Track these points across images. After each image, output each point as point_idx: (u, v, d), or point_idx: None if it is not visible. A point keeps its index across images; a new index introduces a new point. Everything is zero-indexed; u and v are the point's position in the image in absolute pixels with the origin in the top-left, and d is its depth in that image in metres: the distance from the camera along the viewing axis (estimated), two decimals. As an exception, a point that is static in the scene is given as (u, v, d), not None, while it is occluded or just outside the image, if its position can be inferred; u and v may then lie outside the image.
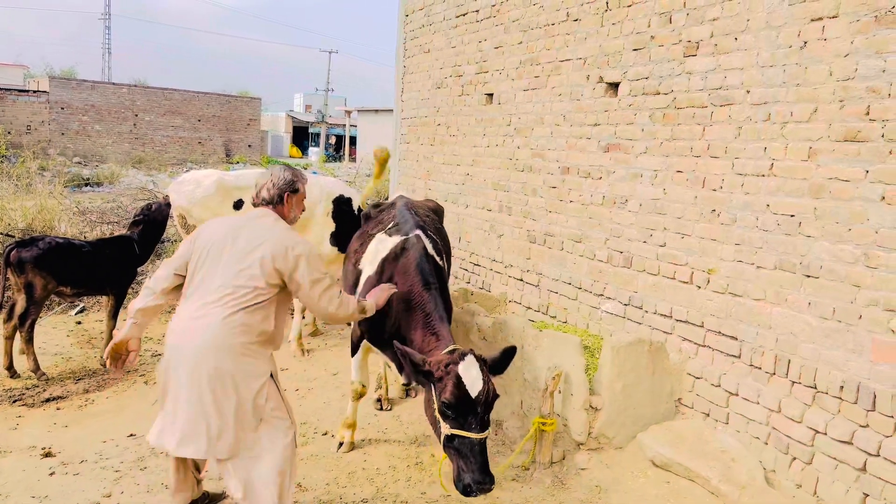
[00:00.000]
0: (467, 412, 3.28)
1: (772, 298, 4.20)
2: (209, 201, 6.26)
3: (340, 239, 6.43)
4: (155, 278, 3.33)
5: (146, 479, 4.06)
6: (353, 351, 4.48)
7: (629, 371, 4.58)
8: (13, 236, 8.05)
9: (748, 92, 4.36)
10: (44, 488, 3.90)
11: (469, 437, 3.25)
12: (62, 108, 31.73)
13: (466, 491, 3.22)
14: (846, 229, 3.78)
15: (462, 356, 3.37)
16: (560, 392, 4.59)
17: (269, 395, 3.17)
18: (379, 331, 4.07)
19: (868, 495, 3.61)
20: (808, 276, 3.98)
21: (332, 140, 54.60)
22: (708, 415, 4.65)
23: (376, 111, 34.38)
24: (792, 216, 4.08)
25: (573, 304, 5.95)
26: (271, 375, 3.23)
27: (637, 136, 5.24)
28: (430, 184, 8.52)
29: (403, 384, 4.23)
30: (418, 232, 4.26)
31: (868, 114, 3.69)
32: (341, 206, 6.60)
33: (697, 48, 4.72)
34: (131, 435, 4.62)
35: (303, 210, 3.61)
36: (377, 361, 4.90)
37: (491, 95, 7.24)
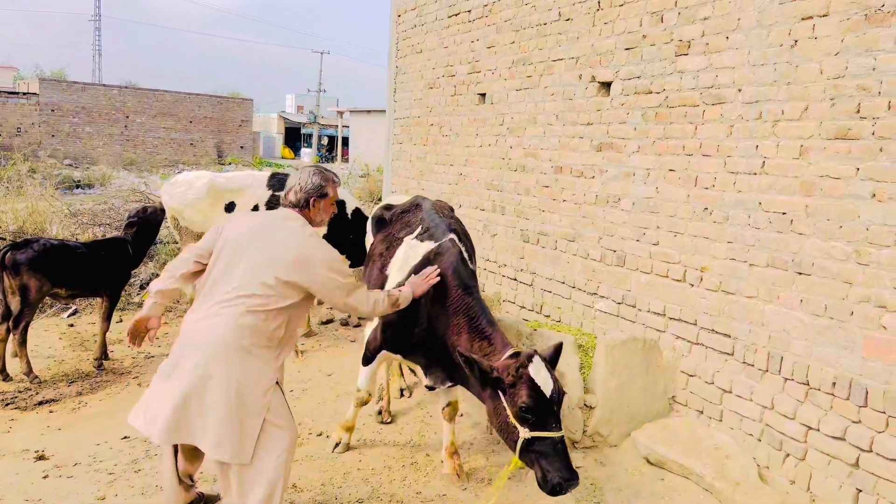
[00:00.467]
0: (546, 413, 3.26)
1: (764, 296, 4.22)
2: (200, 203, 6.26)
3: (332, 241, 6.42)
4: (177, 262, 3.32)
5: (140, 482, 4.05)
6: (367, 360, 4.32)
7: (623, 369, 4.60)
8: (4, 238, 8.01)
9: (740, 91, 4.39)
10: (37, 491, 3.88)
11: (552, 437, 3.22)
12: (52, 110, 31.58)
13: (556, 490, 3.18)
14: (837, 227, 3.80)
15: (529, 358, 3.34)
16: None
17: (272, 402, 3.12)
18: (405, 337, 3.96)
19: (861, 491, 3.63)
20: (800, 274, 4.00)
21: (325, 141, 54.54)
22: (702, 412, 4.67)
23: (368, 112, 34.39)
24: (784, 214, 4.10)
25: (567, 303, 5.96)
26: (277, 383, 3.17)
27: (629, 135, 5.26)
28: (424, 184, 8.52)
29: (427, 386, 4.11)
30: (452, 236, 4.12)
31: (859, 112, 3.71)
32: (334, 208, 6.59)
33: (689, 47, 4.74)
34: (125, 437, 4.60)
35: (333, 213, 3.55)
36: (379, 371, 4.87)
37: (484, 95, 7.25)
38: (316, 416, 5.08)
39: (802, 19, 4.01)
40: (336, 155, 47.11)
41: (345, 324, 7.52)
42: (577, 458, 4.40)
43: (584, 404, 4.59)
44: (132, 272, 6.85)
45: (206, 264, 3.26)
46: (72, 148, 31.60)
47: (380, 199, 9.30)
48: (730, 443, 4.34)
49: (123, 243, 6.20)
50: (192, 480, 3.54)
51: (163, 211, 6.51)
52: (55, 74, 42.37)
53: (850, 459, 3.69)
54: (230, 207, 6.26)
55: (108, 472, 4.14)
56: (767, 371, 4.20)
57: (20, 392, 5.32)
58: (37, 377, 5.54)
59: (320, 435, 4.77)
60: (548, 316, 6.20)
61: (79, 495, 3.87)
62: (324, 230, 6.51)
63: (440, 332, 3.77)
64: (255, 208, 6.21)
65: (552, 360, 3.49)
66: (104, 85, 36.35)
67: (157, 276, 8.23)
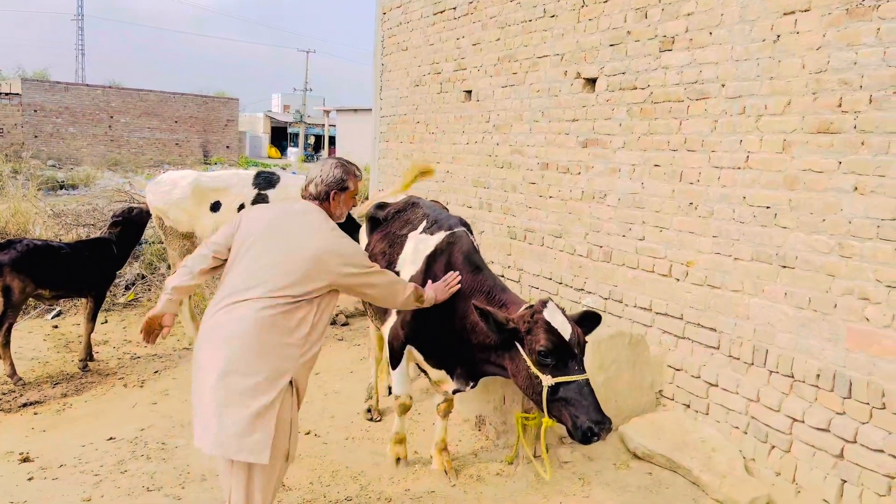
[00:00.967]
0: (566, 356, 3.18)
1: (749, 289, 4.25)
2: (185, 203, 6.21)
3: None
4: (193, 258, 3.20)
5: (127, 483, 4.02)
6: (396, 361, 4.14)
7: (610, 364, 4.62)
8: (-13, 240, 7.92)
9: (723, 86, 4.41)
10: (22, 493, 3.84)
11: (576, 380, 3.14)
12: (35, 111, 31.27)
13: (587, 436, 3.08)
14: (820, 220, 3.83)
15: (543, 304, 3.29)
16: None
17: (284, 403, 2.95)
18: (429, 331, 3.84)
19: (846, 481, 3.67)
20: (784, 267, 4.03)
21: (311, 140, 54.36)
22: (688, 406, 4.69)
23: (355, 110, 34.27)
24: (768, 208, 4.13)
25: (554, 299, 5.96)
26: (291, 383, 2.99)
27: (615, 130, 5.28)
28: (410, 182, 8.50)
29: (456, 390, 3.99)
30: (462, 228, 4.11)
31: (840, 106, 3.74)
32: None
33: (673, 43, 4.76)
34: (111, 438, 4.57)
35: (352, 206, 3.46)
36: (367, 369, 4.86)
37: (469, 92, 7.25)
38: (304, 415, 5.04)
39: (784, 14, 4.04)
40: (323, 154, 46.97)
41: (332, 322, 7.50)
42: (564, 454, 4.42)
43: (572, 399, 4.60)
44: (117, 273, 6.81)
45: (224, 259, 3.15)
46: (55, 148, 31.31)
47: (366, 198, 9.27)
48: (716, 436, 4.37)
49: (108, 243, 6.16)
50: None
51: (148, 212, 6.46)
52: (38, 74, 41.95)
53: (834, 450, 3.72)
54: (215, 207, 6.22)
55: (93, 474, 4.11)
56: (753, 364, 4.23)
57: (4, 394, 5.27)
58: (21, 379, 5.49)
59: (308, 433, 4.76)
60: (535, 312, 6.20)
61: (64, 497, 3.84)
62: None
63: (460, 317, 3.67)
64: (241, 207, 6.18)
65: (581, 324, 3.41)
66: (87, 85, 36.08)
67: (143, 276, 8.25)
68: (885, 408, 3.50)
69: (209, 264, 3.18)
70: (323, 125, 48.09)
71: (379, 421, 5.06)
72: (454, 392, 4.03)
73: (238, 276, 3.01)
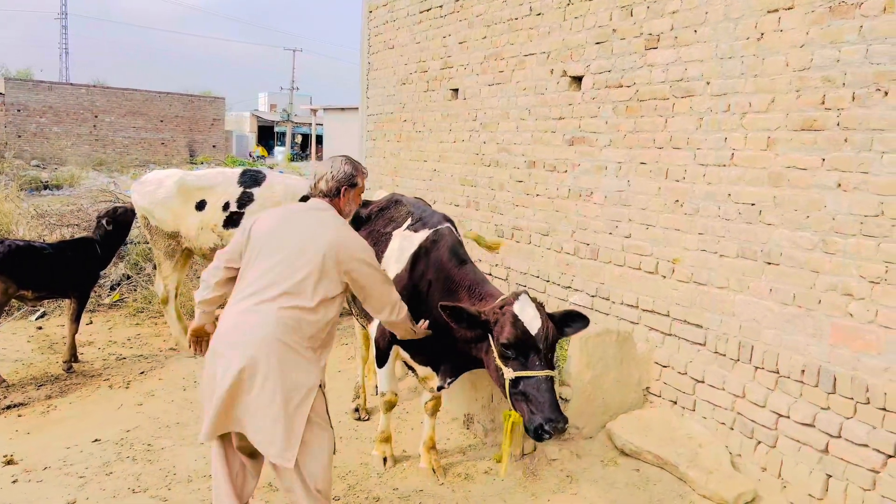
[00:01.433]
0: (528, 350, 3.16)
1: (735, 286, 4.27)
2: (170, 202, 6.17)
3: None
4: (208, 271, 3.23)
5: (112, 485, 3.99)
6: (382, 360, 4.16)
7: (597, 361, 4.63)
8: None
9: (708, 83, 4.43)
10: (6, 496, 3.81)
11: (534, 376, 3.12)
12: (18, 110, 30.99)
13: (538, 433, 3.07)
14: (804, 216, 3.86)
15: (516, 296, 3.28)
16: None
17: (317, 404, 2.98)
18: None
19: (831, 476, 3.69)
20: (769, 264, 4.06)
21: (298, 139, 54.16)
22: (675, 402, 4.71)
23: (342, 109, 34.11)
24: (752, 205, 4.15)
25: (541, 297, 5.97)
26: (320, 386, 3.03)
27: (601, 128, 5.29)
28: (398, 180, 8.49)
29: (440, 386, 3.98)
30: (448, 224, 4.12)
31: (823, 103, 3.77)
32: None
33: (658, 41, 4.78)
34: (96, 440, 4.54)
35: (360, 204, 3.47)
36: (354, 369, 4.84)
37: (456, 91, 7.24)
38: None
39: (768, 12, 4.06)
40: (310, 153, 46.81)
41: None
42: (552, 451, 4.43)
43: (560, 397, 4.60)
44: (102, 273, 6.75)
45: (238, 268, 3.14)
46: (39, 148, 31.04)
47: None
48: (703, 432, 4.39)
49: (91, 244, 6.10)
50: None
51: (133, 211, 6.41)
52: (21, 74, 41.57)
53: (819, 445, 3.75)
54: (201, 205, 6.18)
55: (78, 476, 4.08)
56: (739, 360, 4.26)
57: (-13, 396, 5.21)
58: (4, 381, 5.43)
59: (296, 433, 4.73)
60: (523, 310, 6.20)
61: (49, 499, 3.81)
62: None
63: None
64: (227, 206, 6.14)
65: (561, 322, 3.41)
66: (72, 84, 35.77)
67: (128, 277, 8.19)
68: (868, 403, 3.53)
69: (223, 275, 3.20)
70: (310, 124, 47.89)
71: (367, 420, 5.05)
72: (439, 388, 4.03)
73: (255, 276, 3.01)
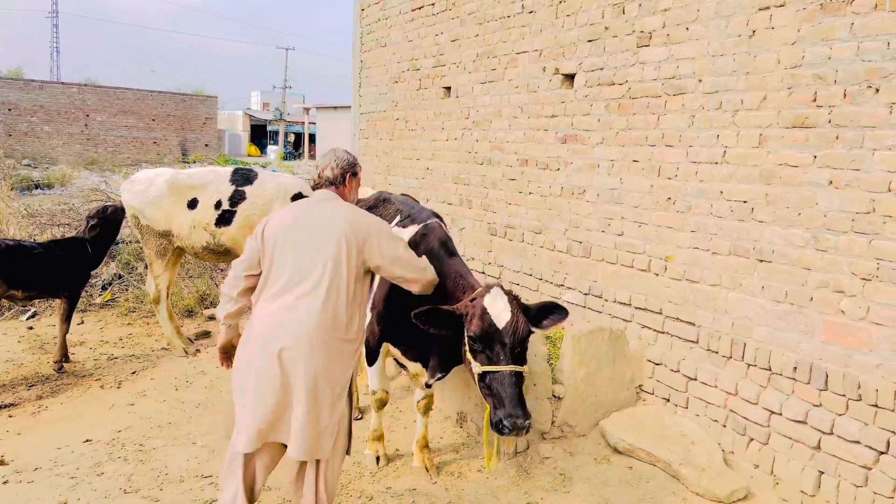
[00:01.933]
0: (494, 343, 3.14)
1: (727, 283, 4.28)
2: (162, 201, 6.13)
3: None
4: (228, 284, 3.16)
5: (104, 485, 3.96)
6: (372, 358, 4.11)
7: (590, 359, 4.63)
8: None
9: (700, 81, 4.43)
10: (-4, 498, 3.78)
11: (499, 371, 3.10)
12: (9, 109, 30.79)
13: (499, 427, 3.06)
14: (796, 214, 3.86)
15: (488, 289, 3.26)
16: (523, 382, 4.60)
17: (346, 400, 3.04)
18: (404, 325, 3.73)
19: (823, 473, 3.70)
20: (761, 261, 4.06)
21: (291, 138, 54.02)
22: (668, 400, 4.72)
23: (335, 108, 34.08)
24: (744, 202, 4.16)
25: (535, 296, 5.98)
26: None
27: (593, 126, 5.29)
28: (391, 179, 8.48)
29: (427, 384, 3.96)
30: (436, 220, 4.11)
31: (815, 100, 3.78)
32: (300, 204, 6.51)
33: (650, 38, 4.78)
34: (87, 440, 4.51)
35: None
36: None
37: (449, 89, 7.23)
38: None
39: (760, 10, 4.06)
40: (303, 152, 46.70)
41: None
42: (545, 449, 4.43)
43: (553, 395, 4.61)
44: (92, 273, 6.71)
45: (257, 275, 3.12)
46: (30, 148, 30.85)
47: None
48: (695, 429, 4.40)
49: (82, 243, 6.06)
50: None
51: (123, 210, 6.38)
52: (12, 73, 41.29)
53: (811, 442, 3.76)
54: (193, 204, 6.14)
55: (69, 477, 4.05)
56: (731, 357, 4.26)
57: (-23, 397, 5.18)
58: (-6, 382, 5.40)
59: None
60: (516, 308, 6.20)
61: (40, 500, 3.78)
62: None
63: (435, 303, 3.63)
64: (219, 204, 6.11)
65: (538, 316, 3.39)
66: (63, 83, 35.56)
67: (120, 276, 8.15)
68: (860, 399, 3.54)
69: (245, 284, 3.15)
70: (303, 123, 47.83)
71: (359, 419, 5.03)
72: (428, 385, 4.03)
73: (281, 273, 3.00)
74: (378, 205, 4.63)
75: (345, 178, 3.27)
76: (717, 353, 4.36)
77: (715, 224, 4.35)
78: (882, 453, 3.45)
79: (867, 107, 3.54)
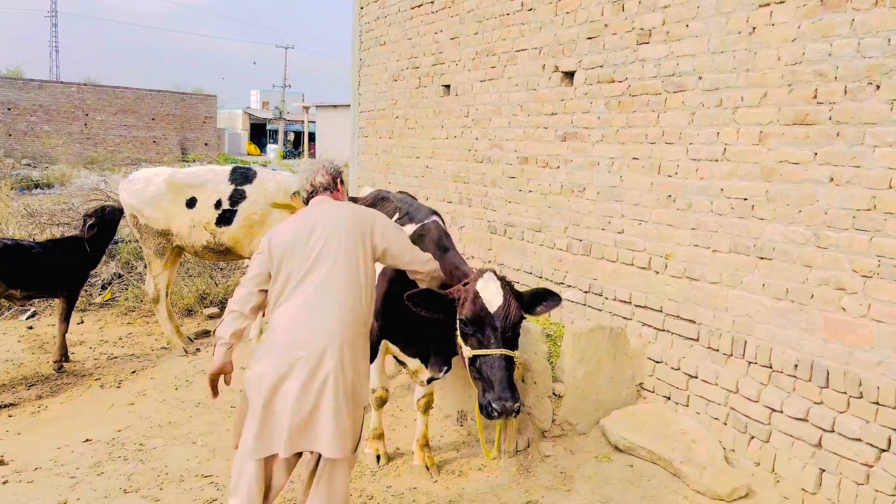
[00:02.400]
0: (485, 327, 3.14)
1: (728, 281, 4.27)
2: (160, 200, 6.12)
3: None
4: (239, 300, 3.08)
5: (104, 485, 3.96)
6: (371, 356, 4.03)
7: (590, 357, 4.62)
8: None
9: (700, 78, 4.42)
10: (-5, 498, 3.78)
11: (489, 354, 3.10)
12: (9, 109, 30.80)
13: (488, 411, 3.05)
14: (797, 211, 3.85)
15: (481, 273, 3.27)
16: (523, 381, 4.60)
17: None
18: (403, 320, 3.76)
19: (824, 470, 3.69)
20: (762, 258, 4.05)
21: (291, 137, 53.98)
22: (669, 398, 4.71)
23: (335, 106, 34.05)
24: (745, 199, 4.15)
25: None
26: None
27: (593, 124, 5.28)
28: (390, 177, 8.47)
29: (430, 378, 3.96)
30: (435, 218, 4.12)
31: (816, 97, 3.76)
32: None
33: (650, 35, 4.76)
34: (87, 440, 4.50)
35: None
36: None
37: (448, 87, 7.22)
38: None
39: (760, 6, 4.05)
40: (303, 150, 46.66)
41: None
42: (546, 448, 4.42)
43: (553, 393, 4.60)
44: (91, 272, 6.70)
45: (267, 289, 3.10)
46: (30, 147, 30.84)
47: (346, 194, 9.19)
48: (696, 427, 4.39)
49: (80, 242, 6.05)
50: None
51: (121, 210, 6.38)
52: (11, 73, 41.25)
53: (812, 440, 3.75)
54: (191, 203, 6.14)
55: (69, 476, 4.05)
56: (732, 355, 4.25)
57: (-23, 397, 5.17)
58: (-6, 381, 5.39)
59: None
60: (516, 307, 6.19)
61: (39, 500, 3.78)
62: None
63: None
64: (218, 203, 6.10)
65: (531, 303, 3.41)
66: (62, 82, 35.55)
67: (120, 276, 8.13)
68: (861, 397, 3.53)
69: (257, 300, 3.10)
70: (302, 121, 47.75)
71: (360, 418, 5.02)
72: (429, 381, 4.02)
73: (295, 272, 2.98)
74: (377, 203, 4.62)
75: (336, 182, 3.35)
76: (717, 350, 4.35)
77: (715, 221, 4.34)
78: (883, 451, 3.44)
79: (868, 103, 3.52)
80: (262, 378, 2.86)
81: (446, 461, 4.37)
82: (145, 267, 7.33)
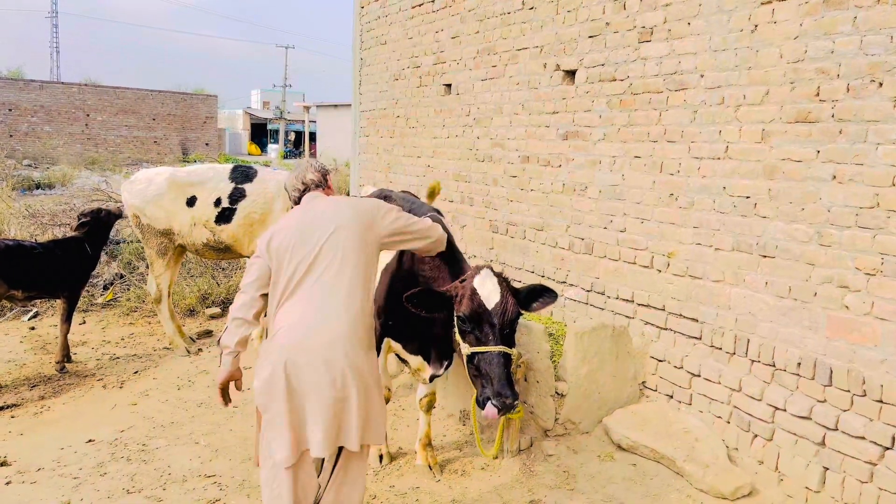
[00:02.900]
0: (483, 324, 3.15)
1: (730, 279, 4.26)
2: (162, 199, 6.13)
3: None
4: (241, 307, 3.02)
5: (106, 485, 3.96)
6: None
7: (593, 356, 4.61)
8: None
9: (702, 76, 4.41)
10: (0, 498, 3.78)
11: (487, 351, 3.10)
12: (10, 110, 30.83)
13: (484, 407, 3.06)
14: (799, 209, 3.85)
15: (478, 270, 3.28)
16: (526, 380, 4.60)
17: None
18: (402, 316, 3.72)
19: (828, 469, 3.69)
20: (765, 257, 4.04)
21: (292, 136, 53.98)
22: (671, 397, 4.70)
23: (335, 106, 34.03)
24: (747, 198, 4.14)
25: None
26: None
27: (595, 122, 5.27)
28: (391, 177, 8.46)
29: (433, 376, 3.95)
30: (434, 214, 4.05)
31: (818, 95, 3.75)
32: (300, 202, 6.49)
33: (651, 34, 4.76)
34: (90, 440, 4.50)
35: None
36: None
37: (449, 86, 7.21)
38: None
39: (762, 4, 4.04)
40: (303, 150, 46.64)
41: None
42: (549, 447, 4.42)
43: (556, 392, 4.59)
44: (92, 273, 6.70)
45: (267, 293, 3.08)
46: (31, 148, 30.86)
47: (347, 194, 9.22)
48: (699, 426, 4.38)
49: (81, 243, 6.05)
50: None
51: (118, 215, 6.41)
52: (12, 73, 41.31)
53: (816, 438, 3.74)
54: (191, 201, 6.14)
55: (72, 477, 4.05)
56: (735, 354, 4.25)
57: (-21, 398, 5.17)
58: (-3, 382, 5.39)
59: (291, 431, 4.70)
60: (518, 306, 6.19)
61: (43, 501, 3.78)
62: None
63: None
64: (218, 202, 6.10)
65: (527, 299, 3.42)
66: (63, 83, 35.56)
67: (122, 276, 8.13)
68: (865, 395, 3.52)
69: (260, 305, 3.06)
70: (303, 121, 47.74)
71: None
72: (432, 378, 4.02)
73: (297, 269, 2.96)
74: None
75: (326, 179, 3.39)
76: (720, 349, 4.34)
77: (718, 220, 4.33)
78: (887, 449, 3.43)
79: (870, 101, 3.52)
80: (274, 384, 2.83)
81: (449, 460, 4.37)
82: (147, 267, 7.34)
